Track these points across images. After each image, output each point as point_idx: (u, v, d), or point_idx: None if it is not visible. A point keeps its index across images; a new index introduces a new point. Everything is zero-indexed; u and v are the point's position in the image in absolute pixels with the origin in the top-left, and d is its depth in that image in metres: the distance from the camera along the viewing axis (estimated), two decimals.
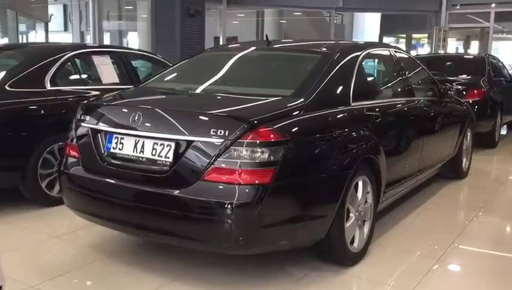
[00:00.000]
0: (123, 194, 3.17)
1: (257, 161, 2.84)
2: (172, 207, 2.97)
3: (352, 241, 3.58)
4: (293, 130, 3.04)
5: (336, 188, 3.29)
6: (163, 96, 3.83)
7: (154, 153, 3.09)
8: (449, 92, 5.53)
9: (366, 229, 3.76)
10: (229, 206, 2.81)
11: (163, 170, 3.04)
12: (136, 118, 3.16)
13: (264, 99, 3.34)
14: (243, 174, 2.83)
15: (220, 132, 2.87)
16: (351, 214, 3.52)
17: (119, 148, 3.25)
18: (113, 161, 3.26)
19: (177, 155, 3.00)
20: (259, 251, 3.17)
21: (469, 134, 6.34)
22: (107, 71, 5.62)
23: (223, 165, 2.86)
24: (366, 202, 3.72)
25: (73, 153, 3.51)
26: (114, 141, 3.28)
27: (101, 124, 3.37)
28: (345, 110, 3.61)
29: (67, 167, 3.51)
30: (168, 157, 3.03)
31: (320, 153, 3.19)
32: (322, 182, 3.20)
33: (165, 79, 4.16)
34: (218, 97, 3.60)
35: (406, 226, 4.49)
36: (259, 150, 2.84)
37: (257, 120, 2.93)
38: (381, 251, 3.88)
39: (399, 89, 4.79)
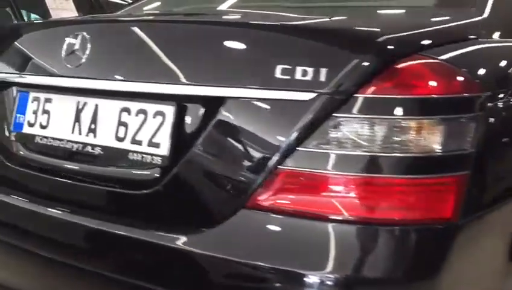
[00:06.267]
0: (53, 238, 1.31)
1: (415, 152, 0.96)
2: (172, 282, 1.09)
3: None
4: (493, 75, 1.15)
5: None
6: (148, 17, 1.76)
7: (122, 133, 1.21)
8: None
9: None
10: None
11: (145, 177, 1.16)
12: (79, 47, 1.26)
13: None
14: (376, 192, 0.95)
15: (310, 74, 0.99)
16: None
17: (41, 124, 1.36)
18: (28, 154, 1.39)
19: (182, 137, 1.12)
20: None
21: None
22: None
23: (312, 165, 0.98)
24: None
25: None
26: (31, 106, 1.39)
27: (4, 71, 1.47)
28: None
29: None
30: (158, 145, 1.14)
31: None
32: None
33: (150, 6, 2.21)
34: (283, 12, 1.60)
35: None
36: (422, 121, 0.96)
37: (416, 44, 1.05)
38: None
39: None
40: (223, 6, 1.73)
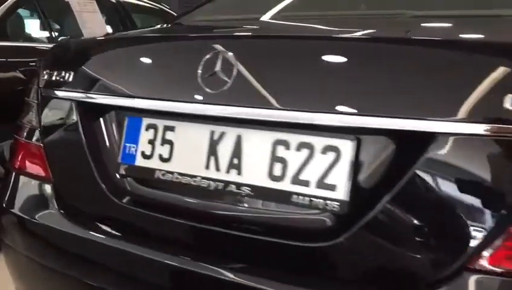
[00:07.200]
0: None
1: None
2: None
3: None
4: None
5: None
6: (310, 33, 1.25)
7: (279, 171, 1.01)
8: None
9: None
10: None
11: (316, 226, 0.97)
12: (220, 67, 1.05)
13: None
14: None
15: None
16: None
17: (161, 157, 1.15)
18: (145, 192, 1.18)
19: (368, 179, 0.94)
20: None
21: None
22: (93, 23, 3.47)
23: None
24: None
25: (33, 166, 1.40)
26: (146, 134, 1.18)
27: (106, 90, 1.25)
28: None
29: (20, 205, 1.39)
30: (333, 187, 0.94)
31: None
32: None
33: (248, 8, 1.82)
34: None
35: None
36: None
37: None
38: None
39: None
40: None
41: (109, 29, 3.51)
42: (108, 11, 3.63)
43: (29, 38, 3.35)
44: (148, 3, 4.14)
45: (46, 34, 3.19)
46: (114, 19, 3.65)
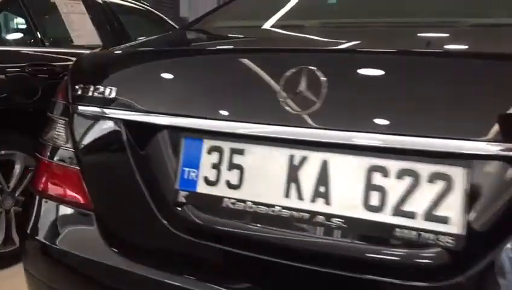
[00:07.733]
0: None
1: None
2: None
3: None
4: None
5: None
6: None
7: (376, 201, 0.90)
8: None
9: None
10: None
11: (425, 263, 0.87)
12: (305, 84, 0.94)
13: None
14: None
15: None
16: None
17: (229, 183, 1.03)
18: (212, 222, 1.05)
19: (488, 211, 0.84)
20: None
21: None
22: (81, 24, 3.30)
23: None
24: None
25: (65, 191, 1.25)
26: (209, 158, 1.05)
27: (159, 108, 1.11)
28: None
29: (52, 234, 1.25)
30: (445, 220, 0.85)
31: None
32: None
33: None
34: None
35: None
36: None
37: None
38: None
39: None
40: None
41: (95, 33, 3.33)
42: (95, 13, 3.43)
43: (15, 42, 3.14)
44: (133, 3, 3.95)
45: (33, 36, 2.98)
46: (101, 20, 3.46)
